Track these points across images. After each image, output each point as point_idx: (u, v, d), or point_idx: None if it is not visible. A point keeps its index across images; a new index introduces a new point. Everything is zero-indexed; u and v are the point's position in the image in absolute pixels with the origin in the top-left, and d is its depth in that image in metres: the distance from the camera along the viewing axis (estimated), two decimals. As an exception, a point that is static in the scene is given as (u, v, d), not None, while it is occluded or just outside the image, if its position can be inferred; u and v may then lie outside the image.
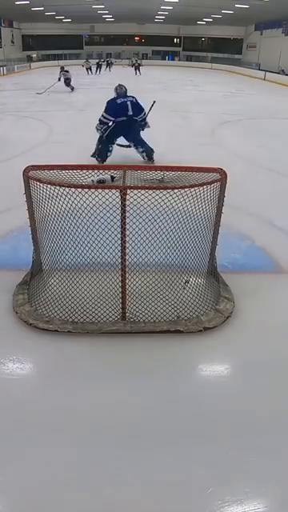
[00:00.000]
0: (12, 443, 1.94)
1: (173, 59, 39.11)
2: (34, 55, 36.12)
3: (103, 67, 27.99)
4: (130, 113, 5.66)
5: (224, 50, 36.62)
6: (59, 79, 15.68)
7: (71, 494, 1.75)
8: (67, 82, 15.66)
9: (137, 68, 26.23)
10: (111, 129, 5.76)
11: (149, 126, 6.08)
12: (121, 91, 5.83)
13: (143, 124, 5.97)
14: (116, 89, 5.87)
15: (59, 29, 36.34)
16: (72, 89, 15.62)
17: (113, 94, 5.90)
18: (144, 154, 6.00)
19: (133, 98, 5.82)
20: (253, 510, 1.68)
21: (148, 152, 6.02)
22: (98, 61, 28.66)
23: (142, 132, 6.04)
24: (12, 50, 33.07)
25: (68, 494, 1.75)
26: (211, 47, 38.31)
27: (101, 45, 39.95)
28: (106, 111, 5.71)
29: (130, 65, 28.84)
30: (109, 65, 29.54)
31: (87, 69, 25.12)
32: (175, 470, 1.84)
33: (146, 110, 6.08)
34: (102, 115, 5.70)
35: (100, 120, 5.74)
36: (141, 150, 5.98)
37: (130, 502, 1.72)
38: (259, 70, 28.53)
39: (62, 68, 16.37)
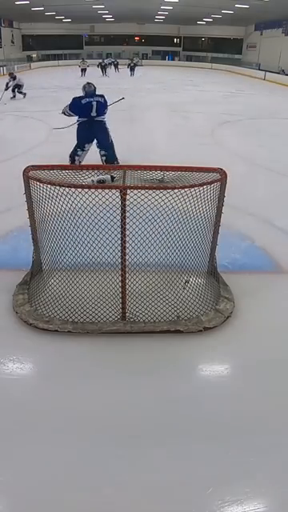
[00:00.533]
0: (12, 443, 1.94)
1: (173, 59, 39.09)
2: (34, 55, 36.10)
3: (109, 69, 25.92)
4: (94, 114, 5.36)
5: (224, 49, 36.60)
6: (7, 87, 13.13)
7: (71, 494, 1.75)
8: (18, 88, 13.35)
9: (132, 69, 25.06)
10: (77, 130, 5.56)
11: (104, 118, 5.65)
12: (89, 90, 5.49)
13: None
14: (84, 87, 5.54)
15: (59, 29, 36.32)
16: (24, 95, 13.44)
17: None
18: (104, 158, 5.57)
19: (101, 97, 5.47)
20: (253, 510, 1.68)
21: (109, 160, 5.58)
22: (100, 62, 26.50)
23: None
24: (12, 50, 33.05)
25: (68, 493, 1.75)
26: (211, 47, 38.29)
27: (101, 45, 39.92)
28: (69, 107, 5.52)
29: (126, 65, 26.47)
30: (115, 66, 27.73)
31: (82, 70, 23.03)
32: (175, 470, 1.84)
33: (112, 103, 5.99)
34: (66, 110, 5.55)
35: (63, 112, 5.62)
36: (103, 152, 5.56)
37: (130, 502, 1.72)
38: (259, 69, 28.52)
39: (11, 74, 13.86)
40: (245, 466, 1.86)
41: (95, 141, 5.57)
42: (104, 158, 5.60)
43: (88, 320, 2.68)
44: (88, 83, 5.60)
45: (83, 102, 5.37)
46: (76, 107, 5.42)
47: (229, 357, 2.55)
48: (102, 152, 5.58)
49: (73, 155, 5.61)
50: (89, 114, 5.35)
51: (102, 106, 5.45)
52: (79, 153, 5.56)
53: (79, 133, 5.54)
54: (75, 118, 5.60)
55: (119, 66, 27.73)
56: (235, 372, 2.46)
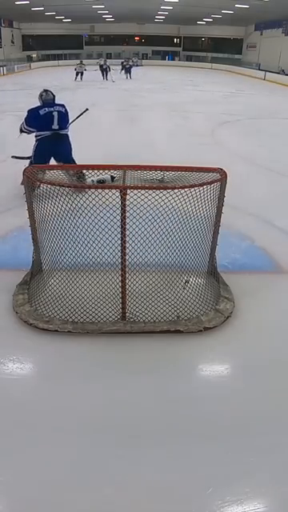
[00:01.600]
0: (12, 443, 1.94)
1: (173, 59, 39.10)
2: (34, 55, 36.10)
3: (117, 72, 22.53)
4: (56, 126, 4.57)
5: (224, 49, 36.61)
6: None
7: (71, 494, 1.74)
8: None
9: (128, 70, 22.63)
10: (36, 147, 4.71)
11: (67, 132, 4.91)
12: (47, 98, 4.72)
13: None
14: (41, 95, 4.76)
15: (59, 29, 36.33)
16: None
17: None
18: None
19: (61, 106, 4.69)
20: (253, 510, 1.68)
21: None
22: (100, 62, 22.52)
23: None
24: (12, 50, 33.06)
25: (68, 493, 1.75)
26: (211, 47, 38.30)
27: (101, 45, 39.93)
28: (26, 122, 4.66)
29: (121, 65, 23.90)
30: (125, 68, 23.10)
31: (78, 73, 20.50)
32: (175, 470, 1.84)
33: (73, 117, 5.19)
34: (23, 126, 4.71)
35: (20, 130, 4.78)
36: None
37: (130, 501, 1.72)
38: (259, 70, 28.53)
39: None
40: (245, 466, 1.86)
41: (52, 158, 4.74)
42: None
43: (88, 320, 2.68)
44: (45, 90, 4.82)
45: (41, 112, 4.58)
46: (33, 120, 4.60)
47: (229, 357, 2.55)
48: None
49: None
50: (49, 127, 4.57)
51: (64, 117, 4.70)
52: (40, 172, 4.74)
53: (38, 151, 4.68)
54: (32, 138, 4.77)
55: (112, 68, 22.92)
56: (235, 372, 2.46)
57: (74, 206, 2.57)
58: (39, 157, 4.58)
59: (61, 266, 2.97)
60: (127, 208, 2.51)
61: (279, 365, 2.46)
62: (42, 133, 4.61)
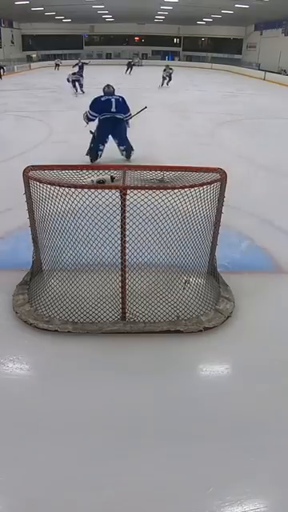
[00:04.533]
0: (12, 443, 1.94)
1: (173, 59, 39.07)
2: (34, 55, 36.10)
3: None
4: (114, 109, 5.80)
5: (224, 50, 36.62)
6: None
7: (71, 494, 1.75)
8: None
9: (130, 67, 25.74)
10: (98, 127, 5.99)
11: (128, 126, 6.18)
12: (108, 90, 6.00)
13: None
14: (103, 88, 6.06)
15: (59, 29, 36.32)
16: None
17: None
18: (124, 152, 6.22)
19: (119, 97, 5.94)
20: (253, 510, 1.68)
21: (128, 151, 6.24)
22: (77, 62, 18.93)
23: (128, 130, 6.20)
24: (12, 50, 33.06)
25: (68, 493, 1.75)
26: (211, 47, 38.31)
27: (101, 45, 39.95)
28: (90, 108, 5.95)
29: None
30: (130, 67, 25.56)
31: (73, 82, 14.91)
32: (175, 470, 1.84)
33: (134, 112, 6.25)
34: (88, 112, 5.97)
35: (86, 116, 6.04)
36: (122, 148, 6.18)
37: (130, 501, 1.72)
38: (259, 69, 28.53)
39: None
40: (245, 466, 1.86)
41: (111, 137, 6.07)
42: (124, 152, 6.22)
43: (88, 320, 2.68)
44: (107, 85, 6.08)
45: (103, 99, 5.87)
46: (97, 105, 5.86)
47: (229, 357, 2.55)
48: (122, 147, 6.19)
49: (95, 150, 6.05)
50: (109, 110, 5.80)
51: (121, 104, 5.87)
52: (101, 147, 6.05)
53: (100, 128, 5.97)
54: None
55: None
56: (235, 372, 2.46)
57: (73, 206, 2.57)
58: (102, 132, 5.99)
59: (61, 266, 2.97)
60: (127, 208, 2.51)
61: (279, 365, 2.46)
62: (103, 116, 5.86)
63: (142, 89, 17.52)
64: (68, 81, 15.13)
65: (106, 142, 6.09)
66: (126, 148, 6.19)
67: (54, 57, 35.11)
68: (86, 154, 6.11)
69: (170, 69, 18.57)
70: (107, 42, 39.82)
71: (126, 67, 26.03)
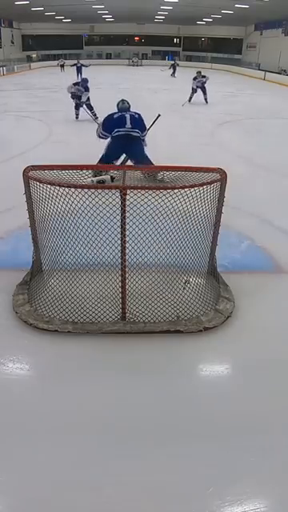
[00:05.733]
0: (12, 443, 1.94)
1: (173, 59, 39.07)
2: (34, 55, 36.09)
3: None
4: (129, 126, 5.00)
5: (224, 50, 36.59)
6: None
7: (71, 494, 1.75)
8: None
9: (174, 68, 25.30)
10: (108, 145, 5.20)
11: (145, 145, 5.35)
12: (123, 106, 5.26)
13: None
14: (117, 104, 5.34)
15: (59, 29, 36.30)
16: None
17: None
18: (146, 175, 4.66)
19: (135, 113, 5.18)
20: (253, 510, 1.68)
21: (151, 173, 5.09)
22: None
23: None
24: (12, 50, 33.04)
25: (68, 493, 1.75)
26: (211, 47, 38.28)
27: (101, 45, 39.94)
28: (102, 126, 5.18)
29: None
30: (174, 68, 25.12)
31: (74, 97, 9.56)
32: (175, 470, 1.84)
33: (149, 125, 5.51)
34: (100, 132, 5.20)
35: (98, 135, 5.29)
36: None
37: (130, 501, 1.72)
38: (259, 69, 28.53)
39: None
40: (245, 465, 1.86)
41: (124, 155, 5.27)
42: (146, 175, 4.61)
43: (88, 320, 2.68)
44: (122, 100, 5.37)
45: (115, 116, 5.12)
46: (109, 122, 5.09)
47: (229, 357, 2.55)
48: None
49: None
50: (124, 125, 5.01)
51: (137, 121, 5.09)
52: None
53: (111, 145, 5.14)
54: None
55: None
56: (235, 372, 2.46)
57: (73, 206, 2.57)
58: (111, 152, 5.10)
59: (61, 266, 2.97)
60: (127, 208, 2.51)
61: (279, 365, 2.46)
62: (116, 133, 5.01)
63: (141, 89, 17.53)
64: (73, 95, 9.57)
65: (116, 161, 5.18)
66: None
67: (54, 57, 35.18)
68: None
69: (203, 76, 12.70)
70: (107, 42, 39.81)
71: (170, 69, 25.02)
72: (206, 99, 12.97)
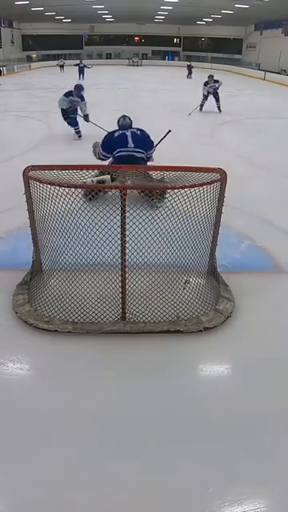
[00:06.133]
0: (12, 443, 1.94)
1: (173, 59, 39.11)
2: (34, 55, 36.10)
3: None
4: (131, 145, 4.47)
5: (224, 50, 36.62)
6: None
7: (71, 494, 1.74)
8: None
9: (190, 71, 25.83)
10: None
11: (152, 160, 4.89)
12: (124, 123, 4.76)
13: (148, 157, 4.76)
14: (118, 121, 4.86)
15: (59, 29, 36.33)
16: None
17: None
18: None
19: (137, 129, 4.63)
20: (253, 510, 1.68)
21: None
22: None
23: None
24: (12, 50, 33.05)
25: (68, 493, 1.75)
26: (211, 47, 38.32)
27: (101, 45, 39.96)
28: (101, 147, 4.61)
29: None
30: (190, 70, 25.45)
31: (67, 114, 7.76)
32: (175, 470, 1.84)
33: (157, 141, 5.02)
34: (100, 152, 4.65)
35: (98, 155, 4.72)
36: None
37: (130, 501, 1.72)
38: (259, 69, 28.54)
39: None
40: (245, 466, 1.86)
41: None
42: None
43: (88, 320, 2.68)
44: (123, 116, 4.85)
45: (116, 134, 4.59)
46: (109, 142, 4.55)
47: (229, 357, 2.55)
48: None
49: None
50: (124, 146, 4.47)
51: (140, 139, 4.54)
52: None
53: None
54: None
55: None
56: (235, 372, 2.46)
57: (73, 206, 2.57)
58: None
59: (61, 266, 2.97)
60: (127, 208, 2.51)
61: (279, 365, 2.46)
62: (118, 153, 4.49)
63: (141, 89, 17.54)
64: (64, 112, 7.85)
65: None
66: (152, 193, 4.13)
67: (54, 57, 35.19)
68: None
69: (216, 81, 11.20)
70: (107, 42, 39.84)
71: (186, 70, 25.55)
72: (219, 107, 11.38)
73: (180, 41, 40.20)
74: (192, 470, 1.85)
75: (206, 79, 11.31)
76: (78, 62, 22.34)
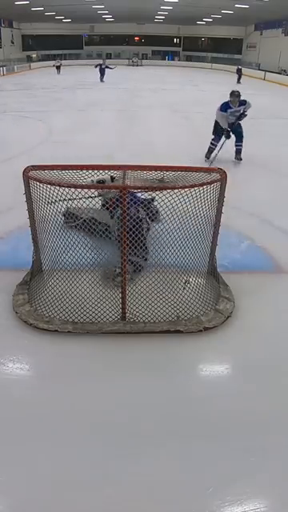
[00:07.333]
0: (12, 443, 1.94)
1: (173, 59, 39.08)
2: (34, 55, 36.07)
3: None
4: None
5: (224, 50, 36.59)
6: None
7: (71, 494, 1.74)
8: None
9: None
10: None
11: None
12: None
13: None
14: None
15: (59, 29, 36.30)
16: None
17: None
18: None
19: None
20: (253, 510, 1.68)
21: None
22: (100, 64, 20.17)
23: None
24: (12, 50, 33.02)
25: (68, 493, 1.75)
26: (211, 47, 38.28)
27: (101, 45, 39.93)
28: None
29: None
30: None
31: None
32: (175, 470, 1.84)
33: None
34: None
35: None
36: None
37: (130, 502, 1.72)
38: (259, 69, 28.53)
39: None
40: (245, 466, 1.86)
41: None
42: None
43: (88, 320, 2.68)
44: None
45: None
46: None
47: (229, 357, 2.55)
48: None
49: None
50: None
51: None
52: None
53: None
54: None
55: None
56: (235, 372, 2.46)
57: (73, 206, 2.57)
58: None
59: (61, 266, 2.97)
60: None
61: (279, 365, 2.46)
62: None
63: (141, 89, 17.53)
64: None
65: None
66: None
67: (54, 57, 35.16)
68: None
69: (243, 103, 6.77)
70: (107, 42, 39.79)
71: (236, 75, 22.71)
72: (239, 151, 6.47)
73: (180, 41, 40.15)
74: (192, 469, 1.85)
75: (228, 98, 6.59)
76: (100, 62, 20.55)
